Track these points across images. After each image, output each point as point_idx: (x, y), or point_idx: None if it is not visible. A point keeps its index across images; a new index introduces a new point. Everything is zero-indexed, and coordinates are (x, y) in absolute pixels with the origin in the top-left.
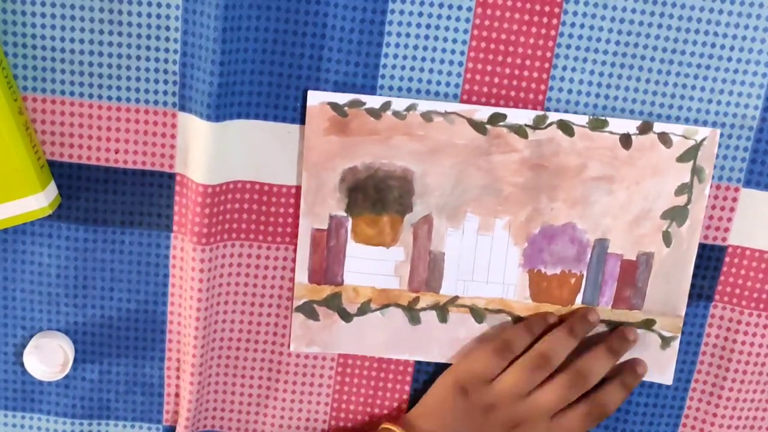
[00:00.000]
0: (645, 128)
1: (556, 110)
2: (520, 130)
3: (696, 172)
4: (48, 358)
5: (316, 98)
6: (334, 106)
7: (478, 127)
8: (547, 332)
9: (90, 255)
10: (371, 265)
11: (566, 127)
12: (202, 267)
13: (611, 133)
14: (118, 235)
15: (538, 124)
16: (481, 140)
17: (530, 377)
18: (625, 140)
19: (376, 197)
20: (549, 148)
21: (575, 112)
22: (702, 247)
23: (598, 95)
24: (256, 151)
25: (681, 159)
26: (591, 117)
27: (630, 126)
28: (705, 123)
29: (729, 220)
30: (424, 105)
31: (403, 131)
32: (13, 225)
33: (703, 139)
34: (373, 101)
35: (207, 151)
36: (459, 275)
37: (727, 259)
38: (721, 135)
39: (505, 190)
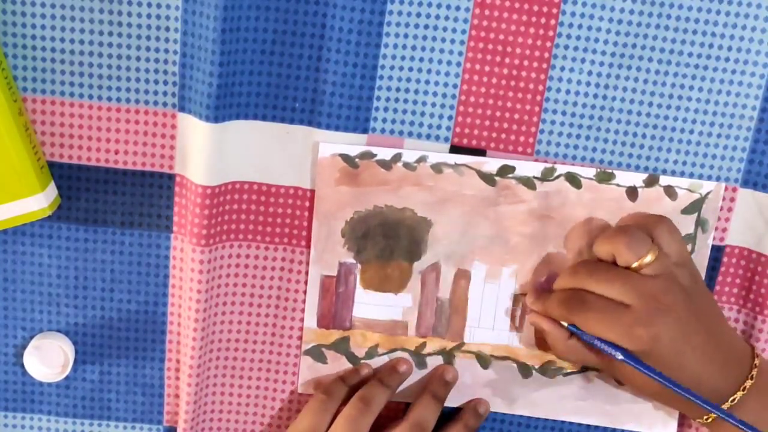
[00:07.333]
0: (651, 181)
1: (554, 111)
2: (528, 182)
3: (700, 223)
4: (48, 359)
5: (327, 150)
6: (345, 157)
7: (487, 178)
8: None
9: (90, 256)
10: (379, 311)
11: (574, 180)
12: (201, 268)
13: (618, 185)
14: (118, 235)
15: (546, 176)
16: (489, 191)
17: (354, 425)
18: (632, 192)
19: (385, 245)
20: (556, 200)
21: (573, 114)
22: None
23: (596, 96)
24: (255, 152)
25: (686, 211)
26: (598, 170)
27: (636, 179)
28: (703, 123)
29: (727, 220)
30: (434, 157)
31: (413, 182)
32: (12, 226)
33: (708, 193)
34: (384, 153)
35: (206, 151)
36: (466, 321)
37: (725, 259)
38: (719, 135)
39: (512, 239)
